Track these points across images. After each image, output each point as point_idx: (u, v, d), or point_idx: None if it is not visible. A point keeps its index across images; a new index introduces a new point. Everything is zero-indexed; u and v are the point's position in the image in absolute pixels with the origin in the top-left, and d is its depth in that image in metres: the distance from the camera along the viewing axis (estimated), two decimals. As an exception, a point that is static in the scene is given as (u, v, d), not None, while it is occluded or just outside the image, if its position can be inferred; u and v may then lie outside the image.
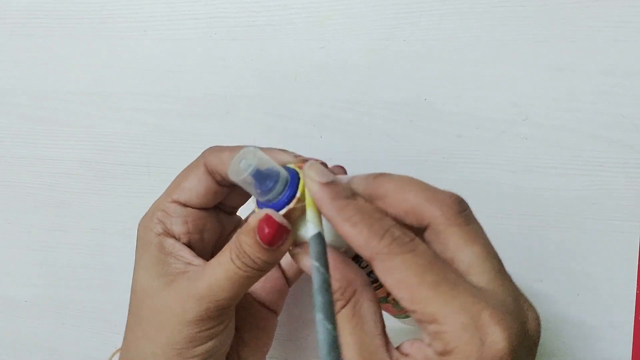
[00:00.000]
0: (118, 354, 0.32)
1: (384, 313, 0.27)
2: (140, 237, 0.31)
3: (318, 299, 0.23)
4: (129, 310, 0.31)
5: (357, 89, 0.40)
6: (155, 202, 0.32)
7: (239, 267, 0.27)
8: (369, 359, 0.24)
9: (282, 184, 0.26)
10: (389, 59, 0.39)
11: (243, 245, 0.27)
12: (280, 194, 0.26)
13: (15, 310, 0.46)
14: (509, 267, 0.26)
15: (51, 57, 0.43)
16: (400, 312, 0.33)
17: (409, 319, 0.33)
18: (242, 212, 0.35)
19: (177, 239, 0.31)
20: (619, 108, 0.37)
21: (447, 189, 0.26)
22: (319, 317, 0.22)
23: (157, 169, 0.43)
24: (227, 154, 0.30)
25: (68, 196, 0.44)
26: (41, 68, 0.43)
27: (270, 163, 0.26)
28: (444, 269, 0.24)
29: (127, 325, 0.31)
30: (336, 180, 0.26)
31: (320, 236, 0.25)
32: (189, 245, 0.31)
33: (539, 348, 0.25)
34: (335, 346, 0.21)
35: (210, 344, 0.29)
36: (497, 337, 0.22)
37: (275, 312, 0.36)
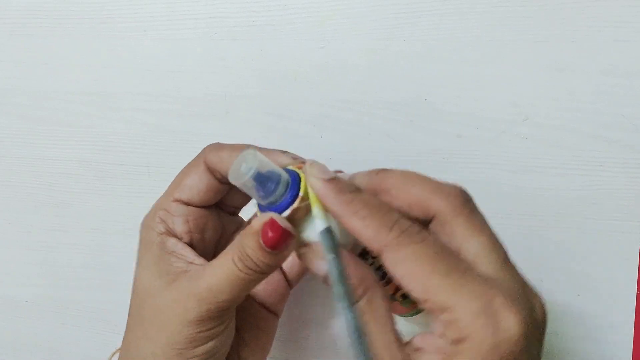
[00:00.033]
0: (118, 354, 0.32)
1: None
2: (142, 237, 0.31)
3: (338, 289, 0.23)
4: (129, 310, 0.31)
5: (357, 89, 0.40)
6: (157, 201, 0.32)
7: (240, 270, 0.27)
8: (382, 355, 0.24)
9: (283, 185, 0.26)
10: (389, 59, 0.39)
11: (245, 248, 0.27)
12: (282, 195, 0.26)
13: (15, 310, 0.46)
14: (509, 267, 0.26)
15: (51, 57, 0.43)
16: (408, 309, 0.33)
17: (416, 317, 0.33)
18: (244, 213, 0.35)
19: (179, 239, 0.31)
20: (619, 108, 0.37)
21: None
22: (342, 306, 0.23)
23: (157, 169, 0.43)
24: (227, 152, 0.30)
25: (68, 196, 0.44)
26: (41, 68, 0.43)
27: (270, 165, 0.26)
28: (453, 258, 0.24)
29: (127, 325, 0.31)
30: (339, 177, 0.26)
31: (329, 230, 0.25)
32: (190, 244, 0.31)
33: (539, 348, 0.25)
34: (361, 332, 0.23)
35: (210, 344, 0.29)
36: (510, 323, 0.22)
37: (276, 315, 0.36)
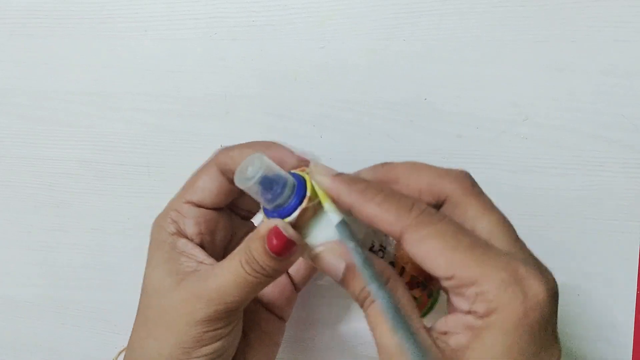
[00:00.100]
0: (123, 353, 0.32)
1: None
2: (154, 236, 0.31)
3: (366, 272, 0.24)
4: (137, 309, 0.31)
5: (357, 89, 0.40)
6: (170, 202, 0.32)
7: (248, 273, 0.27)
8: None
9: (289, 188, 0.26)
10: (389, 59, 0.39)
11: (252, 252, 0.27)
12: (289, 197, 0.26)
13: (15, 310, 0.46)
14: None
15: (51, 57, 0.43)
16: (420, 306, 0.33)
17: (424, 319, 0.33)
18: (257, 219, 0.35)
19: (190, 240, 0.31)
20: (619, 108, 0.37)
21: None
22: (374, 287, 0.24)
23: (157, 169, 0.43)
24: (237, 151, 0.30)
25: (68, 196, 0.44)
26: (41, 68, 0.43)
27: (276, 169, 0.26)
28: (473, 234, 0.25)
29: (134, 323, 0.31)
30: (344, 173, 0.26)
31: (344, 222, 0.25)
32: (201, 245, 0.31)
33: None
34: (397, 309, 0.23)
35: (217, 344, 0.29)
36: (537, 289, 0.23)
37: (283, 319, 0.36)
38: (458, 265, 0.23)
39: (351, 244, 0.25)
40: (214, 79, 0.41)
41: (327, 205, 0.26)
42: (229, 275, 0.28)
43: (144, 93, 0.42)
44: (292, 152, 0.29)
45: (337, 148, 0.40)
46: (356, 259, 0.25)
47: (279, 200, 0.26)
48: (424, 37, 0.39)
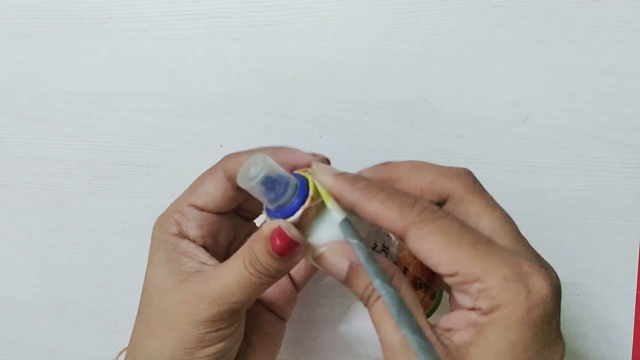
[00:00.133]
0: (124, 353, 0.31)
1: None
2: (156, 236, 0.31)
3: (370, 268, 0.24)
4: (138, 308, 0.31)
5: (357, 89, 0.40)
6: (173, 203, 0.32)
7: (251, 274, 0.27)
8: None
9: (292, 188, 0.26)
10: (389, 59, 0.39)
11: (256, 253, 0.27)
12: (292, 197, 0.26)
13: (15, 310, 0.46)
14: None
15: (51, 57, 0.43)
16: (423, 308, 0.33)
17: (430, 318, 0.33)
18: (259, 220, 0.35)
19: (193, 241, 0.31)
20: (619, 108, 0.37)
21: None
22: (377, 282, 0.24)
23: (157, 169, 0.43)
24: (246, 158, 0.30)
25: (68, 196, 0.44)
26: (41, 68, 0.43)
27: (279, 169, 0.26)
28: (476, 231, 0.25)
29: (135, 324, 0.31)
30: (346, 172, 0.26)
31: (348, 220, 0.25)
32: (203, 247, 0.31)
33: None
34: (402, 304, 0.23)
35: (219, 345, 0.29)
36: (541, 285, 0.23)
37: (283, 319, 0.36)
38: (461, 262, 0.23)
39: (355, 241, 0.25)
40: (214, 79, 0.41)
41: (330, 204, 0.26)
42: (232, 276, 0.28)
43: (144, 93, 0.42)
44: (303, 152, 0.29)
45: (337, 148, 0.40)
46: (360, 255, 0.25)
47: (282, 201, 0.26)
48: (424, 37, 0.39)
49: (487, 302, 0.23)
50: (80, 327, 0.45)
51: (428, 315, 0.33)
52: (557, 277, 0.25)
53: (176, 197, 0.32)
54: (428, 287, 0.31)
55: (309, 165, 0.28)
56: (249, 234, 0.34)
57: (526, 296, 0.23)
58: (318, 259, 0.27)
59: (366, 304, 0.26)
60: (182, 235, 0.31)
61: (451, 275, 0.24)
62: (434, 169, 0.27)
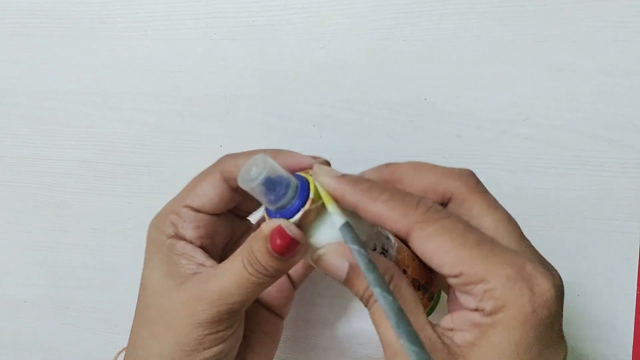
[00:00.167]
0: (123, 353, 0.31)
1: None
2: (151, 238, 0.31)
3: (370, 276, 0.24)
4: (136, 310, 0.31)
5: (357, 89, 0.40)
6: (168, 204, 0.32)
7: (251, 274, 0.27)
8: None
9: (293, 189, 0.26)
10: (389, 59, 0.39)
11: (255, 252, 0.27)
12: (292, 199, 0.26)
13: (15, 310, 0.46)
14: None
15: (51, 57, 0.43)
16: (424, 304, 0.33)
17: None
18: (253, 216, 0.35)
19: (189, 242, 0.31)
20: (619, 108, 0.37)
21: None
22: (377, 291, 0.23)
23: (157, 169, 0.43)
24: (243, 160, 0.30)
25: (68, 196, 0.44)
26: (41, 68, 0.43)
27: (280, 170, 0.26)
28: (480, 231, 0.25)
29: (133, 325, 0.31)
30: (348, 174, 0.26)
31: (348, 224, 0.25)
32: (201, 248, 0.31)
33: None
34: (402, 313, 0.23)
35: (219, 347, 0.29)
36: (545, 286, 0.23)
37: (281, 317, 0.36)
38: (466, 263, 0.23)
39: (355, 247, 0.25)
40: (214, 79, 0.41)
41: (331, 207, 0.26)
42: (231, 277, 0.27)
43: (144, 93, 0.42)
44: (302, 155, 0.29)
45: (337, 148, 0.40)
46: (360, 262, 0.24)
47: (282, 202, 0.26)
48: (424, 37, 0.39)
49: (490, 303, 0.23)
50: (80, 327, 0.45)
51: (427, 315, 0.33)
52: (560, 278, 0.25)
53: (176, 197, 0.32)
54: (426, 289, 0.31)
55: (309, 168, 0.28)
56: (246, 233, 0.34)
57: (530, 297, 0.23)
58: (317, 260, 0.27)
59: (366, 304, 0.26)
60: (179, 237, 0.31)
61: (455, 276, 0.24)
62: (436, 169, 0.27)
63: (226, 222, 0.33)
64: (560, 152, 0.38)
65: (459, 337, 0.24)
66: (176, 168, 0.42)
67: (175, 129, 0.42)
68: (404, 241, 0.26)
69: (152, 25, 0.42)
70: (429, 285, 0.31)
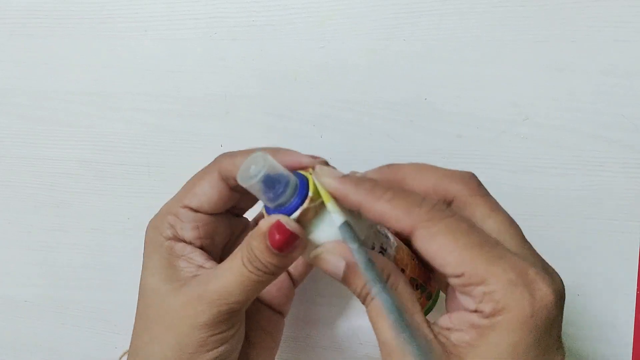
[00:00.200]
0: (125, 357, 0.31)
1: None
2: (150, 239, 0.31)
3: (369, 274, 0.24)
4: (136, 313, 0.30)
5: (357, 89, 0.40)
6: (166, 205, 0.32)
7: (250, 271, 0.27)
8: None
9: (292, 187, 0.26)
10: (389, 59, 0.39)
11: (254, 250, 0.27)
12: (291, 197, 0.26)
13: (15, 310, 0.46)
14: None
15: (51, 57, 0.43)
16: (422, 304, 0.33)
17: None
18: (250, 213, 0.35)
19: (188, 243, 0.31)
20: (619, 108, 0.37)
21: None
22: (377, 289, 0.24)
23: (157, 169, 0.43)
24: (241, 158, 0.30)
25: (68, 196, 0.44)
26: (41, 68, 0.43)
27: (279, 168, 0.26)
28: (483, 233, 0.24)
29: (134, 328, 0.30)
30: (351, 174, 0.26)
31: (347, 223, 0.25)
32: (200, 248, 0.31)
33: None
34: (401, 310, 0.23)
35: (221, 349, 0.29)
36: (545, 291, 0.23)
37: (282, 314, 0.36)
38: (468, 264, 0.23)
39: (354, 245, 0.25)
40: (214, 79, 0.41)
41: (330, 205, 0.26)
42: (230, 276, 0.27)
43: (144, 93, 0.42)
44: (301, 154, 0.29)
45: (337, 148, 0.40)
46: (359, 261, 0.24)
47: (281, 200, 0.26)
48: (424, 37, 0.39)
49: (490, 305, 0.23)
50: (80, 327, 0.45)
51: (425, 314, 0.33)
52: (562, 282, 0.25)
53: (175, 197, 0.32)
54: (425, 289, 0.31)
55: (308, 167, 0.28)
56: (244, 231, 0.34)
57: (530, 302, 0.23)
58: (315, 258, 0.27)
59: (363, 302, 0.26)
60: (177, 238, 0.30)
61: (457, 276, 0.24)
62: (438, 171, 0.27)
63: (225, 221, 0.32)
64: (560, 152, 0.38)
65: (456, 337, 0.24)
66: (176, 168, 0.42)
67: (175, 129, 0.42)
68: (406, 240, 0.26)
69: (152, 25, 0.42)
70: (427, 284, 0.31)
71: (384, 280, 0.24)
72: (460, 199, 0.26)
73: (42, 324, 0.46)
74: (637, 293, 0.39)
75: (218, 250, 0.33)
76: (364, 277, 0.25)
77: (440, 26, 0.38)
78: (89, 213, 0.44)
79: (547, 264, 0.25)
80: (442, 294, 0.33)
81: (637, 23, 0.37)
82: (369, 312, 0.26)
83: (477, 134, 0.39)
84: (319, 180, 0.26)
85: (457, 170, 0.27)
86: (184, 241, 0.31)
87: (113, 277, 0.44)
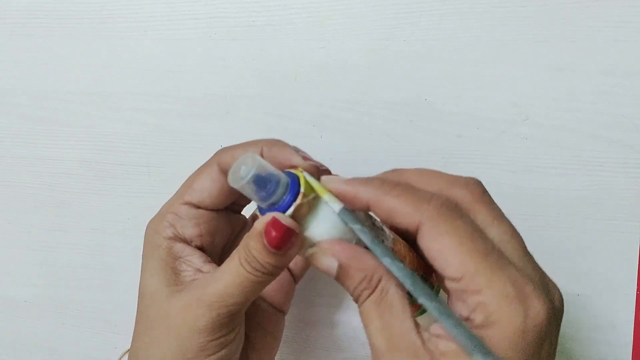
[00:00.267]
0: (126, 356, 0.31)
1: None
2: (148, 240, 0.31)
3: (378, 249, 0.24)
4: (136, 315, 0.30)
5: (357, 89, 0.40)
6: (166, 204, 0.31)
7: (249, 272, 0.27)
8: (399, 343, 0.24)
9: (283, 186, 0.26)
10: (389, 59, 0.39)
11: (251, 250, 0.27)
12: (283, 195, 0.26)
13: (15, 310, 0.46)
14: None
15: (51, 57, 0.43)
16: (413, 309, 0.33)
17: (420, 317, 0.33)
18: (247, 211, 0.35)
19: (188, 243, 0.30)
20: (619, 108, 0.37)
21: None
22: (387, 260, 0.24)
23: (157, 169, 0.43)
24: (239, 150, 0.30)
25: (68, 196, 0.44)
26: (41, 68, 0.43)
27: (269, 167, 0.26)
28: (489, 240, 0.24)
29: (135, 331, 0.30)
30: (357, 178, 0.26)
31: (346, 209, 0.25)
32: (201, 248, 0.31)
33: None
34: (415, 276, 0.23)
35: (222, 353, 0.28)
36: (538, 309, 0.23)
37: (282, 313, 0.35)
38: (469, 270, 0.23)
39: (357, 226, 0.25)
40: (214, 79, 0.41)
41: (327, 196, 0.26)
42: (229, 277, 0.27)
43: (144, 93, 0.42)
44: (295, 152, 0.29)
45: (337, 148, 0.40)
46: (365, 239, 0.25)
47: (274, 198, 0.26)
48: (424, 37, 0.39)
49: (482, 316, 0.23)
50: (80, 327, 0.45)
51: (424, 311, 0.32)
52: (560, 299, 0.24)
53: (175, 197, 0.32)
54: (425, 280, 0.31)
55: (298, 166, 0.28)
56: (242, 230, 0.34)
57: (523, 319, 0.22)
58: (310, 257, 0.27)
59: (356, 301, 0.26)
60: (177, 238, 0.30)
61: (455, 280, 0.24)
62: (442, 177, 0.27)
63: (225, 218, 0.32)
64: (560, 152, 0.38)
65: (444, 345, 0.24)
66: (176, 168, 0.42)
67: (175, 129, 0.42)
68: (410, 240, 0.26)
69: (152, 25, 0.42)
70: (428, 275, 0.31)
71: (391, 254, 0.24)
72: (463, 205, 0.25)
73: (42, 324, 0.46)
74: (637, 293, 0.39)
75: (218, 250, 0.32)
76: (373, 252, 0.25)
77: (440, 26, 0.38)
78: (89, 213, 0.44)
79: (547, 278, 0.25)
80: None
81: (637, 23, 0.37)
82: (360, 313, 0.26)
83: (477, 134, 0.39)
84: (327, 187, 0.26)
85: (462, 176, 0.27)
86: (184, 241, 0.30)
87: (113, 277, 0.44)
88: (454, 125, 0.39)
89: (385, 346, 0.24)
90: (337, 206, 0.26)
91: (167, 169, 0.43)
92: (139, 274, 0.31)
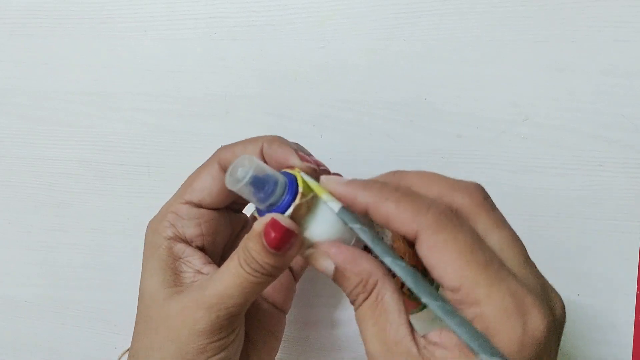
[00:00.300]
0: (126, 355, 0.31)
1: None
2: (149, 241, 0.31)
3: (379, 248, 0.24)
4: (136, 316, 0.30)
5: (357, 89, 0.40)
6: (166, 204, 0.31)
7: (248, 273, 0.27)
8: (394, 348, 0.24)
9: (281, 187, 0.26)
10: (389, 59, 0.39)
11: (251, 251, 0.26)
12: (281, 196, 0.26)
13: (15, 310, 0.46)
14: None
15: (51, 57, 0.43)
16: (414, 306, 0.33)
17: (421, 313, 0.33)
18: (247, 211, 0.35)
19: (189, 243, 0.30)
20: (619, 108, 0.37)
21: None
22: (388, 260, 0.24)
23: (157, 169, 0.43)
24: (240, 147, 0.30)
25: (68, 196, 0.44)
26: (41, 68, 0.43)
27: (266, 169, 0.26)
28: (489, 250, 0.24)
29: (134, 331, 0.30)
30: (357, 179, 0.26)
31: (345, 208, 0.25)
32: (202, 248, 0.31)
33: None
34: (417, 274, 0.23)
35: (221, 354, 0.28)
36: (538, 323, 0.22)
37: (283, 312, 0.35)
38: (467, 281, 0.23)
39: (357, 226, 0.25)
40: (214, 79, 0.41)
41: (325, 195, 0.26)
42: (229, 279, 0.27)
43: (144, 93, 0.42)
44: (293, 152, 0.29)
45: (337, 148, 0.40)
46: (365, 238, 0.24)
47: (272, 199, 0.26)
48: (424, 37, 0.39)
49: (480, 328, 0.22)
50: (80, 327, 0.45)
51: (422, 309, 0.32)
52: (562, 308, 0.24)
53: (175, 197, 0.32)
54: (425, 275, 0.31)
55: (295, 166, 0.28)
56: (243, 229, 0.34)
57: (522, 332, 0.22)
58: (307, 257, 0.27)
59: (352, 303, 0.26)
60: (177, 238, 0.30)
61: (452, 291, 0.23)
62: (444, 181, 0.26)
63: (225, 218, 0.32)
64: (560, 152, 0.38)
65: (440, 354, 0.23)
66: (176, 168, 0.42)
67: (175, 129, 0.42)
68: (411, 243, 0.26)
69: (152, 25, 0.42)
70: (426, 274, 0.31)
71: (394, 251, 0.24)
72: (465, 210, 0.25)
73: (42, 324, 0.46)
74: (637, 293, 0.39)
75: (219, 249, 0.32)
76: (374, 251, 0.24)
77: (440, 26, 0.38)
78: (89, 213, 0.44)
79: (548, 286, 0.25)
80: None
81: (637, 23, 0.37)
82: (356, 316, 0.26)
83: (477, 134, 0.39)
84: (326, 188, 0.26)
85: (463, 181, 0.26)
86: (185, 241, 0.30)
87: (113, 277, 0.44)
88: (454, 125, 0.39)
89: (380, 352, 0.24)
90: (336, 206, 0.26)
91: (167, 169, 0.43)
92: (139, 274, 0.31)
